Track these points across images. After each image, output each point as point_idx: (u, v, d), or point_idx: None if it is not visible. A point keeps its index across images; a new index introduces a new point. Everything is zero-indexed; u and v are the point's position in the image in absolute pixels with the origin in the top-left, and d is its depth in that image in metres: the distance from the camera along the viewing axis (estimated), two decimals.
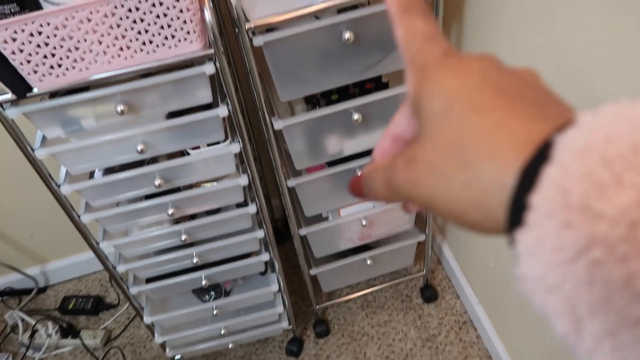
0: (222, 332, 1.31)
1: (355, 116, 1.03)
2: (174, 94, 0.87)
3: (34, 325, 1.63)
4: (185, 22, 0.78)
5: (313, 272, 1.40)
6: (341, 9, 0.89)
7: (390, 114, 0.87)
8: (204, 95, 0.88)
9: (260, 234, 1.15)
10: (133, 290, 1.16)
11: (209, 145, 0.98)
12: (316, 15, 0.90)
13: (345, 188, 1.23)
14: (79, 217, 0.97)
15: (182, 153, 0.99)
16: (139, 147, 0.89)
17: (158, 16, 0.76)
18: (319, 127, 1.05)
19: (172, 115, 0.93)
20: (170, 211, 1.02)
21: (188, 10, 0.76)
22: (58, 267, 1.77)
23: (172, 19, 0.77)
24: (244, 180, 1.03)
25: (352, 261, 1.42)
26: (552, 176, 0.16)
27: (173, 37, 0.79)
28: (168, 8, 0.75)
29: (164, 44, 0.80)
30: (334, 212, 1.32)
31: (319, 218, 1.32)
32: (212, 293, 1.31)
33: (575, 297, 0.16)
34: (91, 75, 0.78)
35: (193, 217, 1.14)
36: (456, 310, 1.60)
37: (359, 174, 0.28)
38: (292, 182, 1.13)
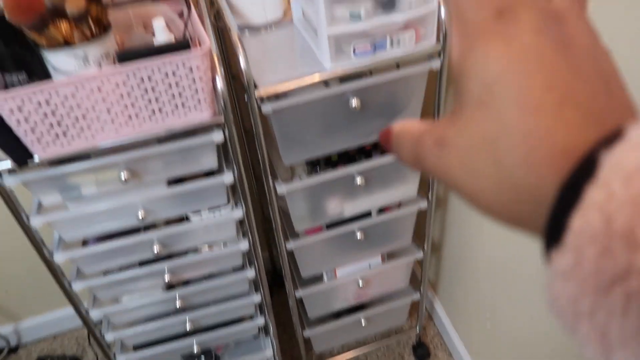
0: None
1: (359, 180, 1.03)
2: (179, 160, 0.84)
3: None
4: (197, 91, 0.76)
5: (307, 333, 1.35)
6: (344, 78, 0.90)
7: (393, 176, 0.80)
8: (210, 161, 0.86)
9: (257, 298, 1.11)
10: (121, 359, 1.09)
11: (210, 208, 0.95)
12: (326, 82, 0.91)
13: (343, 249, 1.21)
14: (70, 285, 0.92)
15: (182, 218, 0.96)
16: (140, 215, 0.86)
17: (170, 85, 0.74)
18: (321, 189, 1.04)
19: (175, 179, 0.90)
20: (166, 278, 0.97)
21: (201, 79, 0.75)
22: (32, 324, 1.66)
23: (183, 88, 0.76)
24: (244, 245, 0.99)
25: (346, 323, 1.39)
26: (597, 200, 0.15)
27: (183, 105, 0.78)
28: (181, 78, 0.74)
29: (173, 113, 0.78)
30: (330, 272, 1.29)
31: (315, 279, 1.29)
32: (203, 358, 1.24)
33: (607, 326, 0.15)
34: (97, 143, 0.76)
35: (187, 281, 1.09)
36: None
37: (390, 128, 0.25)
38: (291, 245, 1.10)
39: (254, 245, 1.01)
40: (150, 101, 0.75)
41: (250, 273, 1.06)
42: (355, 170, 1.02)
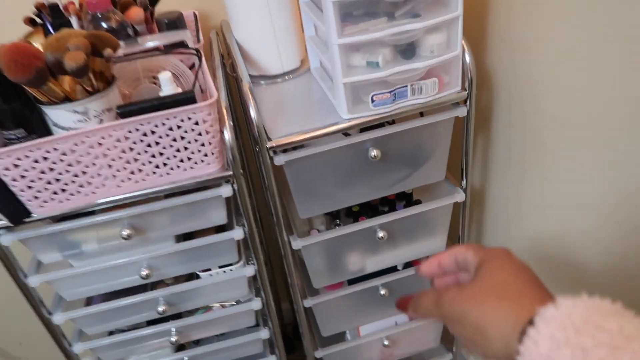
0: None
1: (380, 234, 0.95)
2: (186, 216, 0.80)
3: None
4: (203, 144, 0.72)
5: None
6: (364, 127, 0.84)
7: (419, 228, 0.71)
8: (219, 216, 0.81)
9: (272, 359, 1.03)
10: None
11: (220, 267, 0.89)
12: (344, 133, 0.85)
13: (367, 306, 1.12)
14: (70, 346, 0.87)
15: (191, 275, 0.91)
16: (144, 272, 0.81)
17: (175, 139, 0.70)
18: (340, 243, 0.97)
19: (183, 235, 0.85)
20: (173, 338, 0.91)
21: (207, 132, 0.71)
22: None
23: (189, 142, 0.71)
24: (257, 304, 0.93)
25: None
26: (530, 345, 0.31)
27: (189, 159, 0.73)
28: (186, 131, 0.70)
29: (178, 167, 0.74)
30: (352, 331, 1.20)
31: (336, 337, 1.20)
32: None
33: None
34: (97, 200, 0.72)
35: (198, 341, 1.02)
36: None
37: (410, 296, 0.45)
38: (309, 302, 1.03)
39: (267, 304, 0.94)
40: (154, 156, 0.71)
41: (264, 333, 0.98)
42: (377, 223, 0.94)
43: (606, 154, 0.70)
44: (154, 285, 0.91)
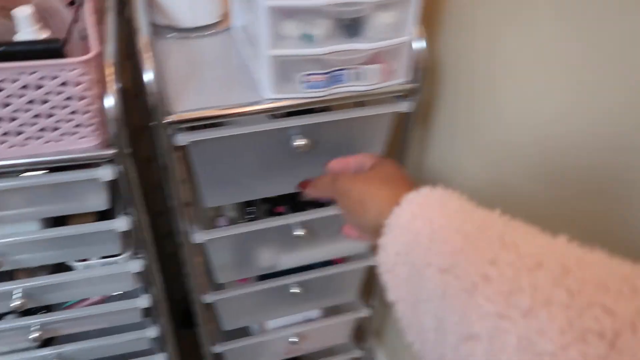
0: None
1: (299, 232, 0.83)
2: (52, 198, 0.63)
3: None
4: (74, 112, 0.55)
5: None
6: (290, 113, 0.70)
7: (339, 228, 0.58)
8: (97, 202, 0.65)
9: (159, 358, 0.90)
10: None
11: (103, 257, 0.73)
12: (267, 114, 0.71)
13: (276, 302, 1.01)
14: None
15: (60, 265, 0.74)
16: None
17: (31, 101, 0.53)
18: (252, 238, 0.84)
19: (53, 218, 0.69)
20: (34, 335, 0.75)
21: (81, 98, 0.54)
22: None
23: (53, 108, 0.54)
24: (143, 301, 0.78)
25: None
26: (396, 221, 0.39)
27: (55, 129, 0.56)
28: (48, 94, 0.53)
29: (39, 138, 0.56)
30: (258, 325, 1.09)
31: (239, 331, 1.09)
32: None
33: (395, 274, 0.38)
34: None
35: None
36: None
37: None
38: (210, 298, 0.90)
39: (156, 302, 0.80)
40: (1, 119, 0.53)
41: (151, 332, 0.85)
42: (297, 220, 0.82)
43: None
44: (12, 274, 0.74)
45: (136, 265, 0.73)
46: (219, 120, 0.66)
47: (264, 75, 0.65)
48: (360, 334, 1.24)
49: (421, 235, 0.35)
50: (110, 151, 0.58)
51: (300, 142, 0.71)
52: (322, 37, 0.62)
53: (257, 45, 0.63)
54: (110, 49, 0.59)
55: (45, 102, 0.53)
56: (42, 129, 0.55)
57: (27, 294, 0.71)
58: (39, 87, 0.52)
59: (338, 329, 1.17)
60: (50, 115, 0.55)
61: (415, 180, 0.44)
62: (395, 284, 0.38)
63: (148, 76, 0.60)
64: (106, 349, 0.86)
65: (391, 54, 0.69)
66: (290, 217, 0.81)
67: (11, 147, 0.56)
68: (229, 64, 0.73)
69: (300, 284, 0.96)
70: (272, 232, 0.82)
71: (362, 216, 0.43)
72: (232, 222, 0.88)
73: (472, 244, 0.32)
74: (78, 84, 0.53)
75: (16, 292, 0.70)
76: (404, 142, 0.81)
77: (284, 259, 0.91)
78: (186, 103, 0.65)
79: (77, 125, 0.56)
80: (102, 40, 0.57)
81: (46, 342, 0.84)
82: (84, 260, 0.73)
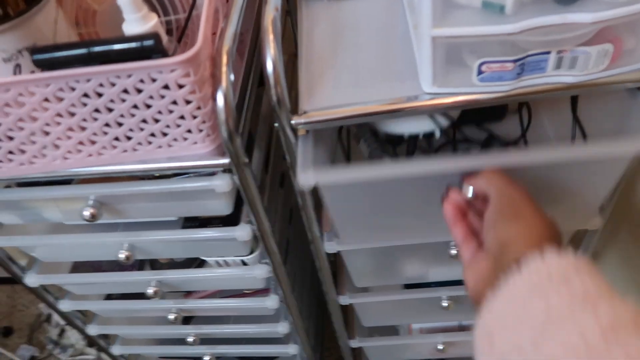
0: None
1: (453, 251, 0.66)
2: (170, 202, 0.56)
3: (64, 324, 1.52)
4: (182, 117, 0.46)
5: None
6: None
7: None
8: (218, 207, 0.57)
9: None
10: None
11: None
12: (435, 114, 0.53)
13: (423, 310, 0.87)
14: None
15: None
16: (122, 254, 0.61)
17: (135, 107, 0.44)
18: (395, 252, 0.69)
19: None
20: (172, 316, 0.75)
21: (187, 102, 0.44)
22: None
23: (159, 112, 0.45)
24: (272, 302, 0.72)
25: None
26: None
27: (164, 134, 0.48)
28: (151, 97, 0.43)
29: (150, 142, 0.48)
30: (403, 326, 0.97)
31: (387, 329, 0.98)
32: None
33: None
34: (33, 172, 0.50)
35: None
36: None
37: None
38: (346, 300, 0.80)
39: (285, 304, 0.72)
40: (108, 124, 0.46)
41: (281, 327, 0.79)
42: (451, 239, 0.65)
43: None
44: (153, 263, 0.73)
45: (262, 271, 0.65)
46: (358, 119, 0.50)
47: (425, 62, 0.47)
48: None
49: (524, 338, 0.31)
50: (222, 160, 0.48)
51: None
52: (516, 5, 0.41)
53: (418, 20, 0.45)
54: (231, 31, 0.47)
55: (148, 106, 0.44)
56: (151, 134, 0.47)
57: (161, 282, 0.69)
58: (139, 90, 0.43)
59: None
60: (157, 120, 0.46)
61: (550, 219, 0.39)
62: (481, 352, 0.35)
63: (269, 62, 0.47)
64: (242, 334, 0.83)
65: (629, 26, 0.44)
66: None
67: (124, 152, 0.49)
68: (389, 37, 0.55)
69: (451, 298, 0.79)
70: (421, 247, 0.67)
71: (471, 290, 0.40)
72: None
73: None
74: (181, 86, 0.42)
75: (153, 282, 0.68)
76: None
77: (434, 272, 0.75)
78: (322, 97, 0.51)
79: (188, 131, 0.47)
80: (216, 24, 0.45)
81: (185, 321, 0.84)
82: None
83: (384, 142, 0.59)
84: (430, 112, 0.49)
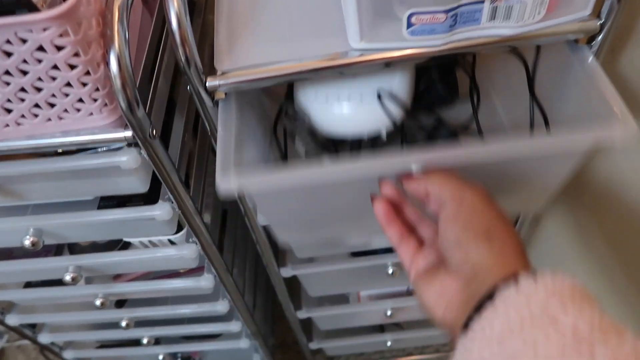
0: None
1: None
2: (77, 181, 0.50)
3: None
4: (69, 84, 0.39)
5: (314, 345, 1.07)
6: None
7: None
8: (132, 185, 0.51)
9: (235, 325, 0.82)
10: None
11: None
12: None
13: (369, 278, 0.85)
14: None
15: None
16: (29, 240, 0.55)
17: (8, 72, 0.37)
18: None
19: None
20: (98, 302, 0.69)
21: (70, 67, 0.37)
22: None
23: (39, 79, 0.38)
24: (207, 282, 0.67)
25: (367, 341, 1.08)
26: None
27: (51, 105, 0.41)
28: (25, 61, 0.36)
29: (36, 115, 0.42)
30: (352, 294, 0.95)
31: (326, 298, 0.96)
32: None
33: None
34: None
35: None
36: None
37: None
38: (288, 272, 0.77)
39: (220, 283, 0.68)
40: None
41: (220, 306, 0.75)
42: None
43: None
44: (72, 248, 0.66)
45: (190, 251, 0.60)
46: (280, 79, 0.45)
47: (350, 12, 0.42)
48: None
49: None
50: (122, 134, 0.42)
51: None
52: None
53: None
54: None
55: (24, 72, 0.37)
56: (35, 105, 0.41)
57: (82, 268, 0.63)
58: (8, 54, 0.36)
59: None
60: (38, 89, 0.39)
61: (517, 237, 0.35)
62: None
63: (173, 21, 0.40)
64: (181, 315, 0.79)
65: None
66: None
67: (5, 126, 0.42)
68: None
69: (396, 265, 0.77)
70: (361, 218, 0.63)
71: (435, 318, 0.35)
72: None
73: None
74: (59, 47, 0.36)
75: (71, 268, 0.62)
76: None
77: (377, 240, 0.72)
78: (240, 55, 0.45)
79: (79, 100, 0.40)
80: None
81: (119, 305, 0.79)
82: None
83: (324, 140, 0.54)
84: (358, 70, 0.44)
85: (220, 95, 0.48)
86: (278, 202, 0.49)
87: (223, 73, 0.46)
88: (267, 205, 0.51)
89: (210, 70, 0.46)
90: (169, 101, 0.57)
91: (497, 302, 0.30)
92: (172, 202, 0.52)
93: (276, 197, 0.47)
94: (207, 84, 0.45)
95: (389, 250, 0.76)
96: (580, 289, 0.30)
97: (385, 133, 0.53)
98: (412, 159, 0.40)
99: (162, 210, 0.52)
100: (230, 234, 0.83)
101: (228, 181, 0.41)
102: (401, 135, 0.57)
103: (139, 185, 0.50)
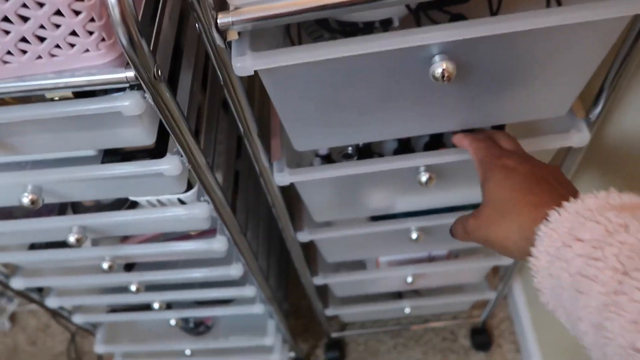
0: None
1: (424, 177, 0.57)
2: (77, 132, 0.45)
3: None
4: (59, 13, 0.33)
5: (330, 312, 1.04)
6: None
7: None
8: (136, 135, 0.46)
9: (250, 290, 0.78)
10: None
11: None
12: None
13: (391, 243, 0.80)
14: None
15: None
16: (28, 197, 0.50)
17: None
18: (358, 182, 0.61)
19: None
20: (106, 265, 0.65)
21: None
22: None
23: (24, 5, 0.33)
24: (220, 244, 0.63)
25: (384, 308, 1.05)
26: (545, 235, 0.33)
27: (41, 40, 0.35)
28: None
29: (23, 52, 0.36)
30: (370, 260, 0.91)
31: (343, 264, 0.92)
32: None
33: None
34: None
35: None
36: None
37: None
38: (305, 237, 0.72)
39: (234, 245, 0.64)
40: None
41: (234, 270, 0.71)
42: (419, 164, 0.56)
43: None
44: (76, 207, 0.62)
45: (202, 210, 0.55)
46: (294, 18, 0.39)
47: None
48: (497, 275, 1.01)
49: (563, 281, 0.31)
50: (124, 74, 0.37)
51: (441, 68, 0.40)
52: None
53: None
54: None
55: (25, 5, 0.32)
56: (22, 40, 0.35)
57: (86, 228, 0.59)
58: None
59: (468, 272, 0.94)
60: (24, 18, 0.34)
61: (533, 188, 0.39)
62: (547, 301, 0.34)
63: None
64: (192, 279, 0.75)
65: None
66: (413, 157, 0.55)
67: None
68: None
69: (422, 230, 0.73)
70: (386, 174, 0.58)
71: (512, 255, 0.39)
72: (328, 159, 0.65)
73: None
74: None
75: (75, 228, 0.58)
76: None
77: (401, 202, 0.67)
78: None
79: (73, 34, 0.35)
80: None
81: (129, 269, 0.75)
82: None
83: (335, 32, 0.48)
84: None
85: (232, 35, 0.42)
86: (297, 84, 0.43)
87: (236, 8, 0.40)
88: (286, 91, 0.45)
89: (222, 6, 0.40)
90: (175, 49, 0.52)
91: (536, 241, 0.34)
92: (182, 156, 0.47)
93: (295, 79, 0.42)
94: (218, 21, 0.39)
95: (413, 214, 0.71)
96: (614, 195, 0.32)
97: (398, 19, 0.46)
98: (432, 35, 0.36)
99: (170, 165, 0.47)
100: (242, 196, 0.79)
101: (244, 61, 0.38)
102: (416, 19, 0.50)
103: (144, 136, 0.45)
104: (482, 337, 1.24)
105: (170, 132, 0.43)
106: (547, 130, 0.54)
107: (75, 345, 1.37)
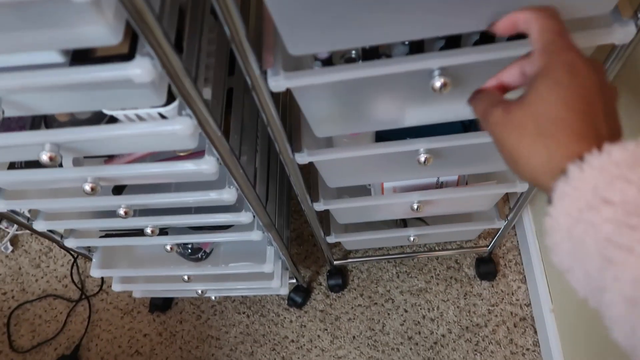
0: (199, 292, 1.01)
1: (438, 82, 0.50)
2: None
3: None
4: None
5: (331, 239, 1.01)
6: None
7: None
8: (96, 33, 0.38)
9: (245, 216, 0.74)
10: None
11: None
12: None
13: (396, 166, 0.74)
14: None
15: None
16: None
17: None
18: (362, 86, 0.54)
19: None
20: (87, 186, 0.60)
21: None
22: None
23: None
24: (210, 166, 0.57)
25: (389, 236, 1.01)
26: (564, 194, 0.29)
27: None
28: None
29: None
30: (374, 186, 0.86)
31: (345, 190, 0.87)
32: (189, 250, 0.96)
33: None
34: None
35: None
36: (517, 298, 1.21)
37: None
38: (304, 158, 0.66)
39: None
40: None
41: (228, 194, 0.66)
42: (437, 66, 0.48)
43: None
44: (48, 123, 0.56)
45: (183, 126, 0.49)
46: None
47: None
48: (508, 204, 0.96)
49: (588, 246, 0.27)
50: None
51: None
52: None
53: None
54: None
55: None
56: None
57: (60, 146, 0.53)
58: None
59: (478, 199, 0.89)
60: None
61: (589, 116, 0.31)
62: (561, 261, 0.30)
63: None
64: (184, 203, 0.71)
65: None
66: (426, 57, 0.47)
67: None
68: None
69: (430, 151, 0.66)
70: (395, 78, 0.51)
71: (517, 171, 0.34)
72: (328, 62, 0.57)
73: None
74: None
75: (47, 146, 0.52)
76: None
77: (411, 115, 0.60)
78: None
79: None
80: None
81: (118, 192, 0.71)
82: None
83: None
84: None
85: None
86: None
87: None
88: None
89: None
90: None
91: (559, 190, 0.30)
92: (153, 58, 0.40)
93: None
94: None
95: (421, 133, 0.65)
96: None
97: None
98: None
99: (141, 69, 0.40)
100: (236, 116, 0.72)
101: None
102: None
103: (109, 34, 0.38)
104: (487, 266, 1.22)
105: (135, 26, 0.36)
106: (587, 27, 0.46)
107: (77, 268, 1.38)
